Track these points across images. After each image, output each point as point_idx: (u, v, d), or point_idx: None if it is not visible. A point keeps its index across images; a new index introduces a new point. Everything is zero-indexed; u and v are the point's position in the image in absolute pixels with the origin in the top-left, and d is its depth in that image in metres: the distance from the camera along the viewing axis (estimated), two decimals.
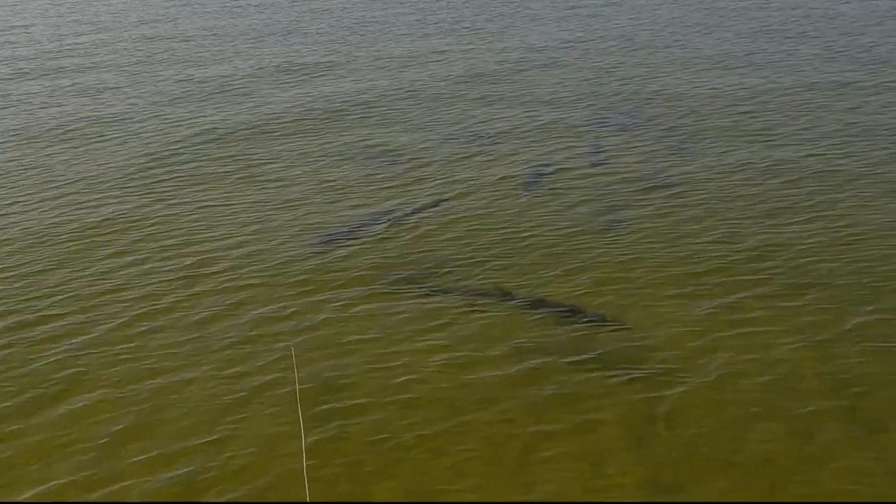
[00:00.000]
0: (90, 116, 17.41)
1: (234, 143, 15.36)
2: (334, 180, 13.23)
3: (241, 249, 10.91)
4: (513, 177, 12.96)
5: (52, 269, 10.56)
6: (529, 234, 10.95)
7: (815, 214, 11.08)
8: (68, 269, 10.51)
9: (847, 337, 8.31)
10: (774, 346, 8.22)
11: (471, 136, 15.03)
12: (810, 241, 10.33)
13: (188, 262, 10.61)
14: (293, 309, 9.37)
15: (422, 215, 11.63)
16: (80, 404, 7.87)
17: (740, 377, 7.80)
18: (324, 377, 8.07)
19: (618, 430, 7.21)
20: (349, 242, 10.91)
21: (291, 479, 6.79)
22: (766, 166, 12.83)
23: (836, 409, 7.32)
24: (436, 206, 11.93)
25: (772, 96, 16.43)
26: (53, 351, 8.73)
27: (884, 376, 7.71)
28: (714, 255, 10.10)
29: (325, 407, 7.62)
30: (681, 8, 25.92)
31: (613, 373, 7.95)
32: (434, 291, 9.57)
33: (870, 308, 8.79)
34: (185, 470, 6.98)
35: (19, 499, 6.75)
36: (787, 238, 10.43)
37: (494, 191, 12.45)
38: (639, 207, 11.58)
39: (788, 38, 21.34)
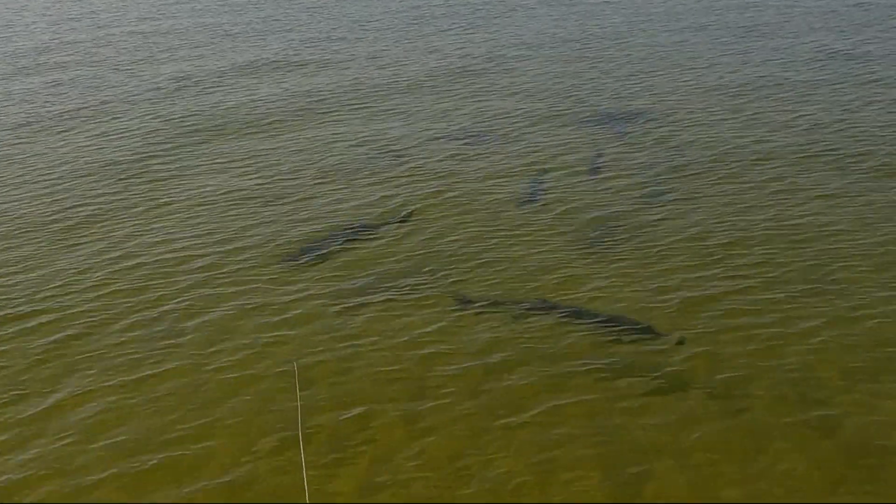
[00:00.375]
0: (78, 112, 17.62)
1: (222, 138, 15.61)
2: (326, 177, 13.36)
3: (227, 245, 11.09)
4: (501, 176, 13.07)
5: (41, 264, 10.77)
6: (515, 234, 11.07)
7: (797, 215, 11.15)
8: (55, 266, 10.70)
9: (812, 335, 8.49)
10: (744, 342, 8.42)
11: (462, 134, 15.12)
12: (790, 239, 10.45)
13: (172, 258, 10.79)
14: (277, 305, 9.55)
15: (409, 215, 11.74)
16: (64, 396, 8.07)
17: (702, 374, 7.98)
18: (307, 375, 8.23)
19: (580, 423, 7.39)
20: (339, 240, 11.03)
21: (275, 471, 6.99)
22: (753, 162, 12.96)
23: (791, 407, 7.46)
24: (424, 206, 12.03)
25: (763, 93, 16.51)
26: (38, 345, 8.93)
27: (839, 375, 7.87)
28: (697, 253, 10.25)
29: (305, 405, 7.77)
30: (675, 7, 26.05)
31: (582, 367, 8.13)
32: (418, 292, 9.71)
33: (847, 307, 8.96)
34: (167, 461, 7.15)
35: None
36: (763, 236, 10.56)
37: (481, 190, 12.56)
38: (626, 207, 11.72)
39: (781, 34, 21.45)
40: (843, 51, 19.49)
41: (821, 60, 18.82)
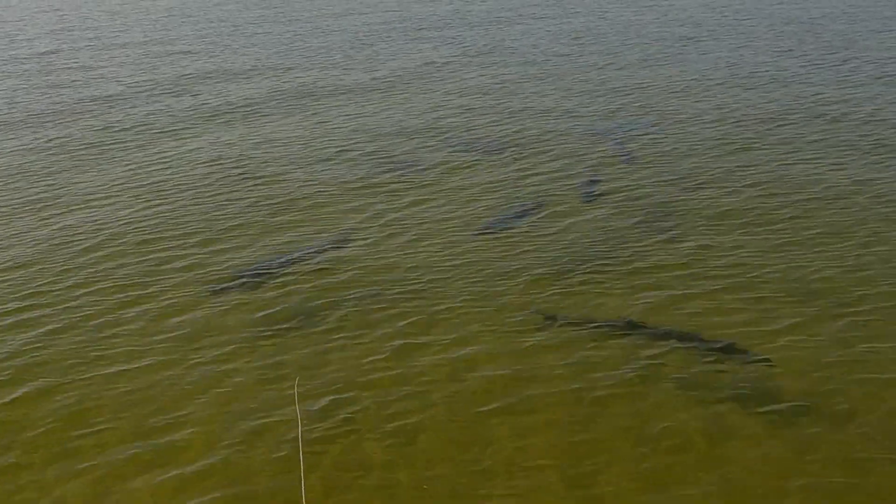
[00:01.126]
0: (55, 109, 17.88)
1: (194, 129, 15.97)
2: (324, 180, 13.39)
3: (209, 248, 11.08)
4: (493, 187, 12.95)
5: (24, 265, 10.78)
6: (508, 245, 10.85)
7: (791, 238, 10.70)
8: (39, 267, 10.70)
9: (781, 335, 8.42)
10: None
11: (460, 145, 15.02)
12: (773, 263, 10.09)
13: (151, 259, 10.76)
14: (258, 303, 9.51)
15: (401, 223, 11.58)
16: (34, 389, 8.04)
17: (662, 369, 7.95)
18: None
19: (555, 412, 7.40)
20: (340, 246, 10.94)
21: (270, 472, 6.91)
22: (750, 181, 12.66)
23: (746, 400, 7.42)
24: (404, 216, 11.86)
25: (757, 111, 16.33)
26: (18, 339, 8.92)
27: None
28: (702, 262, 10.14)
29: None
30: (668, 24, 26.26)
31: (550, 361, 8.16)
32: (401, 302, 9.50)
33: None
34: (137, 452, 7.11)
35: None
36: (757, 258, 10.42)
37: (467, 203, 12.35)
38: (621, 221, 11.59)
39: (776, 52, 21.56)
40: (837, 68, 19.58)
41: (810, 73, 18.96)
